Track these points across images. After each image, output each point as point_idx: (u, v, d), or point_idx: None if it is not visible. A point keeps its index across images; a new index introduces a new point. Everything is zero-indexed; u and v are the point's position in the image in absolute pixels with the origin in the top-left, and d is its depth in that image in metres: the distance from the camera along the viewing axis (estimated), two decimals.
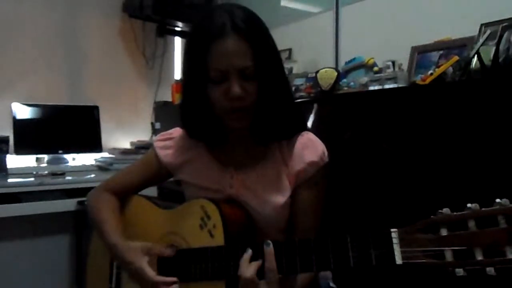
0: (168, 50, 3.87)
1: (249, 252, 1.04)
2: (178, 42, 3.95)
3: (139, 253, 1.18)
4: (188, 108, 1.26)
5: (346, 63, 2.51)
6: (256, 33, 1.14)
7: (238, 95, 1.11)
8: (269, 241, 1.02)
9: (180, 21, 3.57)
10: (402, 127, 1.75)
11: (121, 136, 3.60)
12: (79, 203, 2.68)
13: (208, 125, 1.24)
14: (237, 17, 1.12)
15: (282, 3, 3.22)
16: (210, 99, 1.16)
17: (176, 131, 1.41)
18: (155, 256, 1.20)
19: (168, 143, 1.40)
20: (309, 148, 1.24)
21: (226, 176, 1.29)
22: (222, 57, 1.10)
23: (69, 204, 2.68)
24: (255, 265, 1.02)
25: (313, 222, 1.24)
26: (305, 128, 1.29)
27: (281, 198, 1.23)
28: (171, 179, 1.45)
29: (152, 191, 1.65)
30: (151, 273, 1.14)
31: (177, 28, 3.71)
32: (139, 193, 1.46)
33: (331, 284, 1.38)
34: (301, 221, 1.25)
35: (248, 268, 1.02)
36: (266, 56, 1.15)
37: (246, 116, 1.17)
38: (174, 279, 1.14)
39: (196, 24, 1.20)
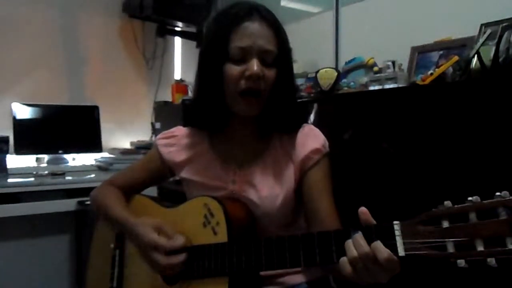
0: (168, 50, 3.88)
1: (359, 232, 0.91)
2: (178, 42, 3.96)
3: (149, 228, 1.17)
4: (200, 89, 1.27)
5: (346, 63, 2.52)
6: (278, 24, 1.20)
7: (256, 74, 1.13)
8: (358, 230, 0.91)
9: (180, 21, 3.58)
10: (402, 127, 1.75)
11: (121, 136, 3.61)
12: (79, 203, 2.68)
13: (215, 110, 1.24)
14: (261, 8, 1.19)
15: (282, 3, 3.23)
16: (224, 81, 1.17)
17: (179, 130, 1.42)
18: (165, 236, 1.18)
19: (171, 141, 1.41)
20: (311, 137, 1.26)
21: (228, 173, 1.29)
22: (247, 36, 1.14)
23: (69, 204, 2.68)
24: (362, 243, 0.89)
25: (329, 203, 1.23)
26: (305, 122, 1.32)
27: (282, 193, 1.24)
28: (172, 178, 1.46)
29: (152, 191, 1.65)
30: (164, 241, 1.13)
31: (177, 28, 3.73)
32: (141, 193, 1.47)
33: (332, 284, 1.38)
34: (318, 204, 1.22)
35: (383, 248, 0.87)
36: (286, 47, 1.21)
37: (257, 102, 1.19)
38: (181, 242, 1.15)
39: (220, 11, 1.25)
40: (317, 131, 1.29)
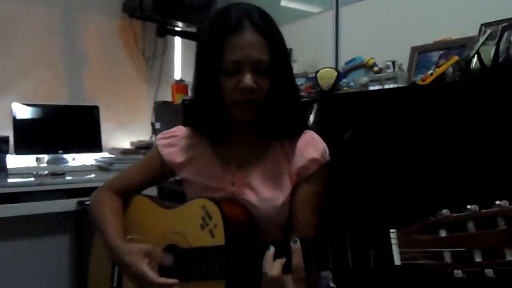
0: (168, 50, 3.88)
1: (272, 249, 1.02)
2: (178, 42, 3.96)
3: (138, 255, 1.17)
4: (197, 99, 1.27)
5: (346, 63, 2.52)
6: (271, 30, 1.18)
7: (250, 87, 1.13)
8: (296, 238, 1.00)
9: (180, 21, 3.57)
10: (402, 127, 1.75)
11: (121, 136, 3.61)
12: (79, 203, 2.67)
13: (214, 118, 1.25)
14: (254, 14, 1.15)
15: (282, 3, 3.22)
16: (221, 91, 1.17)
17: (179, 130, 1.42)
18: (156, 260, 1.19)
19: (171, 141, 1.41)
20: (311, 145, 1.25)
21: (228, 173, 1.30)
22: (238, 49, 1.12)
23: (69, 204, 2.68)
24: (279, 262, 1.00)
25: (312, 219, 1.24)
26: (307, 128, 1.31)
27: (281, 196, 1.24)
28: (172, 178, 1.46)
29: (152, 191, 1.65)
30: (152, 275, 1.13)
31: (177, 28, 3.72)
32: (141, 193, 1.47)
33: (331, 285, 1.38)
34: (300, 217, 1.25)
35: (273, 266, 0.99)
36: (280, 53, 1.19)
37: (253, 108, 1.19)
38: (175, 280, 1.14)
39: (213, 18, 1.23)
40: (318, 139, 1.28)
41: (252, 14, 1.15)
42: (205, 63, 1.19)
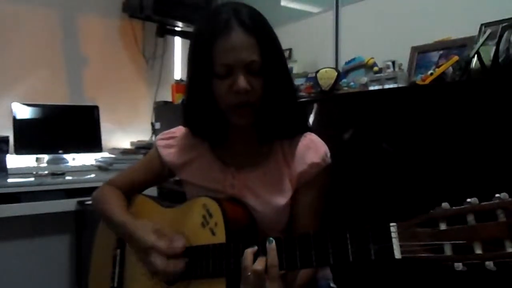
0: (168, 50, 3.89)
1: (255, 247, 1.03)
2: (178, 42, 3.97)
3: (148, 231, 1.16)
4: (192, 105, 1.25)
5: (346, 63, 2.51)
6: (261, 28, 1.15)
7: (244, 89, 1.11)
8: (272, 238, 1.01)
9: (180, 21, 3.58)
10: (402, 127, 1.75)
11: (121, 136, 3.61)
12: (79, 203, 2.67)
13: (212, 122, 1.24)
14: (242, 13, 1.13)
15: (282, 3, 3.23)
16: (215, 95, 1.16)
17: (179, 130, 1.41)
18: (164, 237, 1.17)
19: (171, 142, 1.40)
20: (311, 149, 1.24)
21: (227, 176, 1.29)
22: (228, 52, 1.10)
23: (69, 204, 2.68)
24: (262, 259, 1.00)
25: (312, 224, 1.23)
26: (307, 129, 1.29)
27: (282, 199, 1.23)
28: (172, 179, 1.46)
29: (152, 191, 1.65)
30: (163, 245, 1.13)
31: (177, 28, 3.72)
32: (142, 193, 1.47)
33: (332, 284, 1.38)
34: (300, 222, 1.24)
35: (257, 261, 1.00)
36: (272, 51, 1.16)
37: (250, 113, 1.17)
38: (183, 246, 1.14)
39: (202, 21, 1.21)
40: (318, 142, 1.26)
41: (240, 13, 1.13)
42: (197, 67, 1.18)
